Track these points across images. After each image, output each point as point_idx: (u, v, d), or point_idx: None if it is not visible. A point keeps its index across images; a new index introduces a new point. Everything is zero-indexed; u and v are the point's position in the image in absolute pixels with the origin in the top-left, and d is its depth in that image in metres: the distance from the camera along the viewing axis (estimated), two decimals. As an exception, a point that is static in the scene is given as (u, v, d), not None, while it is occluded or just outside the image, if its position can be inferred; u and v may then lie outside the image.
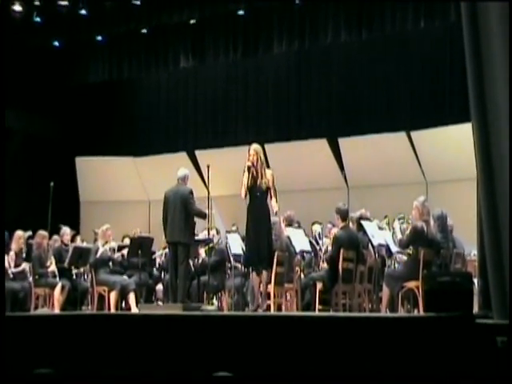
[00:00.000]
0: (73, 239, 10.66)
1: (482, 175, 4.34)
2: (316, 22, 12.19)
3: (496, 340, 3.89)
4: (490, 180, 4.27)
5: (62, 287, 9.41)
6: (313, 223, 10.02)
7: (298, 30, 12.34)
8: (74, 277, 9.83)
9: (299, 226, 9.39)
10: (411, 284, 7.33)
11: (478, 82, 4.35)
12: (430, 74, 12.69)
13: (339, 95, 13.58)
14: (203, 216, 8.12)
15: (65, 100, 14.81)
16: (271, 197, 7.26)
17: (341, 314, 7.30)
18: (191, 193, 7.98)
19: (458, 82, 11.73)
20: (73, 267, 9.72)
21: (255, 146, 7.36)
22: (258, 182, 7.17)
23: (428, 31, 12.23)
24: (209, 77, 14.68)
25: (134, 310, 8.92)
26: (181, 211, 7.90)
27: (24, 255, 9.70)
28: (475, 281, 5.16)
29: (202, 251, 9.57)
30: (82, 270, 10.05)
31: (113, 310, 9.05)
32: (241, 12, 12.67)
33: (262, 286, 7.28)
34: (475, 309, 4.64)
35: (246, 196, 7.24)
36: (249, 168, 7.20)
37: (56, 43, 13.77)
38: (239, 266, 9.15)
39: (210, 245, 9.30)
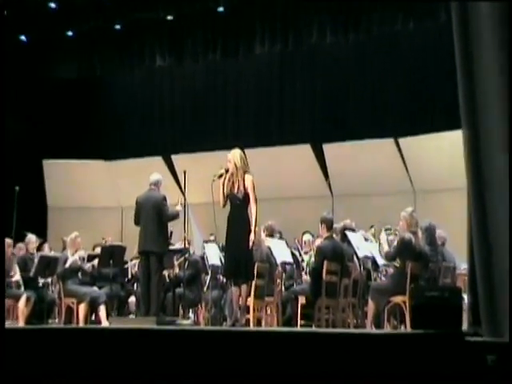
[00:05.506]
0: (39, 247, 10.59)
1: (472, 185, 4.37)
2: (300, 21, 12.27)
3: (486, 358, 3.93)
4: (480, 191, 4.30)
5: (27, 299, 9.33)
6: (303, 233, 9.99)
7: (281, 29, 12.42)
8: (41, 288, 9.78)
9: (281, 237, 9.40)
10: (398, 299, 7.38)
11: (469, 86, 4.37)
12: (419, 78, 12.78)
13: (324, 99, 13.65)
14: (177, 216, 8.13)
15: (32, 98, 14.73)
16: (250, 204, 7.21)
17: (324, 329, 7.33)
18: (165, 199, 8.03)
19: (448, 87, 11.78)
20: (39, 277, 9.67)
21: (232, 152, 7.35)
22: (236, 190, 7.18)
23: (417, 33, 12.34)
24: (186, 77, 14.69)
25: (105, 323, 8.90)
26: (153, 219, 7.95)
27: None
28: (464, 296, 5.22)
29: (177, 264, 9.57)
30: (48, 280, 10.00)
31: (82, 324, 9.01)
32: (220, 9, 12.72)
33: (240, 299, 7.29)
34: (464, 326, 4.69)
35: (224, 205, 7.24)
36: (220, 175, 7.22)
37: (23, 37, 13.71)
38: (217, 277, 9.15)
39: (184, 256, 9.30)
